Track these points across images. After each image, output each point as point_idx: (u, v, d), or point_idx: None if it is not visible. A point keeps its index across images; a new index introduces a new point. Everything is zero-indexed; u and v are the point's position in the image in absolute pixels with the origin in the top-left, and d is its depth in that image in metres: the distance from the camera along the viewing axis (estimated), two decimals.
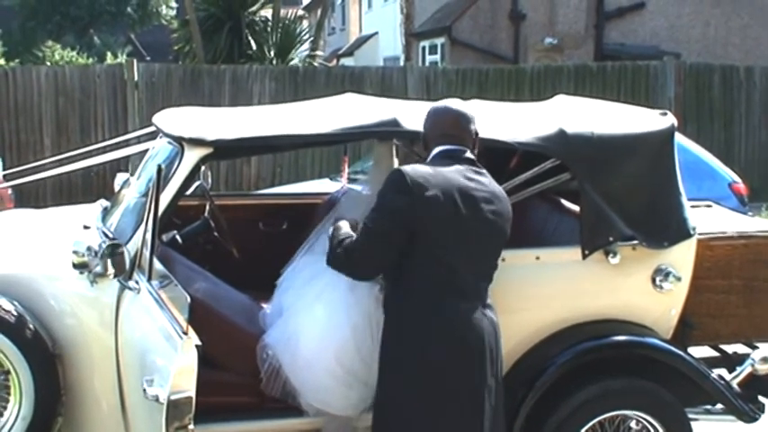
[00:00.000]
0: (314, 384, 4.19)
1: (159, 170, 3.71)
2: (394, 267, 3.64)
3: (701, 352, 4.89)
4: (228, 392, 4.35)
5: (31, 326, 4.11)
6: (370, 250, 3.61)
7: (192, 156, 4.23)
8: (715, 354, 5.11)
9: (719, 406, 4.58)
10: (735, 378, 4.63)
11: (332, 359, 4.16)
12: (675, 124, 4.60)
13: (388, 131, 4.34)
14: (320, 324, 4.23)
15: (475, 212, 3.61)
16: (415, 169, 3.59)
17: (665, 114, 4.67)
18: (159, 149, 4.78)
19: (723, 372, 4.76)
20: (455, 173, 3.64)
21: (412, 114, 4.32)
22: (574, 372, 4.28)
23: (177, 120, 4.59)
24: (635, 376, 4.40)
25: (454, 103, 3.88)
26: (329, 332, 4.19)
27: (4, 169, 11.88)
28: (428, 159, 3.76)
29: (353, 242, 3.63)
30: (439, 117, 3.81)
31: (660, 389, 4.38)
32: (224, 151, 4.42)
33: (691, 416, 4.50)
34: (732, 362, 4.95)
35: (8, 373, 4.11)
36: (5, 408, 4.13)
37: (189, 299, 3.36)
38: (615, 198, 4.38)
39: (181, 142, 4.30)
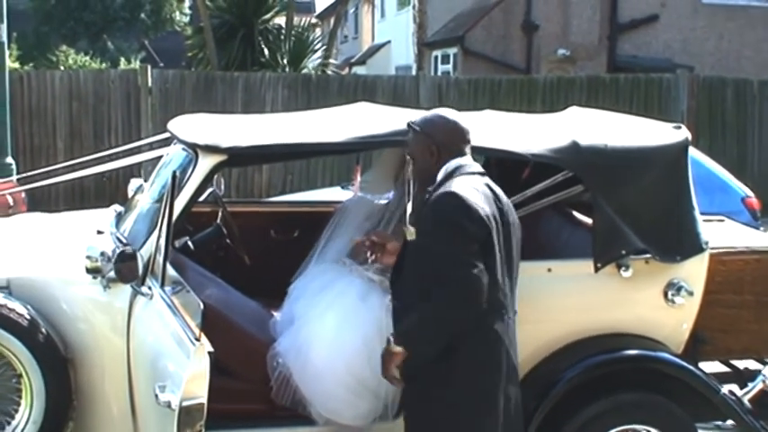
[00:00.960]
0: (324, 394, 4.19)
1: (174, 177, 3.73)
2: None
3: (712, 367, 4.88)
4: (239, 400, 4.36)
5: (43, 330, 4.13)
6: (476, 278, 3.44)
7: (207, 163, 4.25)
8: (726, 369, 5.10)
9: (730, 422, 4.57)
10: (746, 394, 4.60)
11: (342, 369, 4.16)
12: (689, 138, 4.59)
13: (401, 140, 4.34)
14: (331, 334, 4.23)
15: (506, 225, 3.63)
16: (465, 190, 3.54)
17: (679, 128, 4.67)
18: (173, 156, 4.80)
19: (734, 387, 4.74)
20: (485, 187, 3.64)
21: None
22: (585, 385, 4.27)
23: (192, 126, 4.61)
24: (646, 391, 4.39)
25: (459, 116, 3.84)
26: (340, 342, 4.19)
27: (17, 173, 11.95)
28: (450, 173, 3.67)
29: (455, 277, 3.45)
30: (454, 128, 3.76)
31: (671, 404, 4.36)
32: (238, 159, 4.44)
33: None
34: (743, 378, 4.94)
35: (20, 376, 4.14)
36: (17, 411, 4.15)
37: (202, 305, 3.36)
38: (628, 211, 4.37)
39: (195, 149, 4.32)
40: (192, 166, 4.31)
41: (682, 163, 4.54)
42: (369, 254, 4.33)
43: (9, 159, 12.94)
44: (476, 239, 3.47)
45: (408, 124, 3.83)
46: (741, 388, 4.73)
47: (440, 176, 3.68)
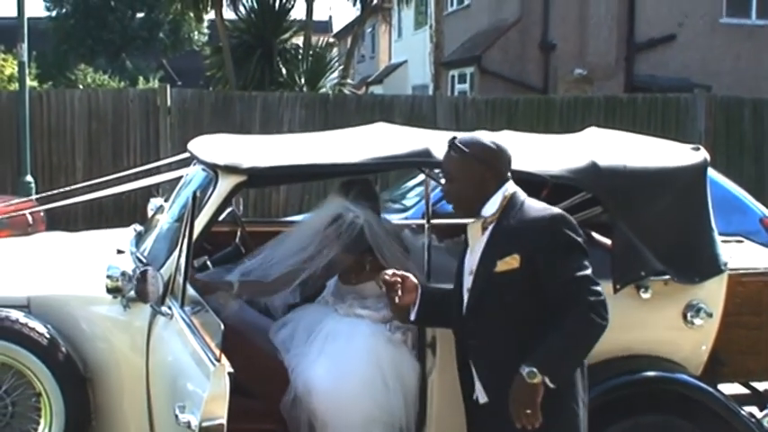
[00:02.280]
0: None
1: (194, 197, 3.76)
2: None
3: (731, 389, 4.85)
4: (256, 419, 4.36)
5: (63, 349, 4.16)
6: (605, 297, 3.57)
7: (227, 183, 4.28)
8: (746, 391, 5.07)
9: None
10: (766, 416, 4.58)
11: (346, 412, 4.20)
12: (708, 159, 4.58)
13: (420, 161, 4.36)
14: (326, 385, 4.25)
15: None
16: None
17: (698, 149, 4.66)
18: (193, 176, 4.83)
19: (754, 410, 4.71)
20: None
21: (444, 145, 4.34)
22: (604, 407, 4.24)
23: (212, 147, 4.64)
24: (665, 413, 4.36)
25: (503, 140, 3.82)
26: (338, 392, 4.23)
27: (36, 191, 12.02)
28: (513, 197, 3.68)
29: (594, 296, 3.51)
30: (507, 156, 3.74)
31: (690, 426, 4.34)
32: (258, 179, 4.46)
33: None
34: (763, 399, 4.91)
35: (39, 395, 4.16)
36: (36, 430, 4.16)
37: (222, 326, 3.37)
38: (647, 232, 4.36)
39: (215, 169, 4.35)
40: (212, 186, 4.34)
41: (700, 184, 4.53)
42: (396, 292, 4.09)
43: (28, 178, 13.06)
44: None
45: (454, 145, 3.72)
46: (761, 410, 4.70)
47: (497, 202, 3.66)
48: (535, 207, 3.66)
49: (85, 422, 4.18)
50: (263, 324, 4.88)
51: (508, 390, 3.48)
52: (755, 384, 5.06)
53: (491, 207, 3.66)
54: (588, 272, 3.54)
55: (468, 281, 3.75)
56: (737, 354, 4.78)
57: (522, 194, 3.71)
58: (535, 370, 3.41)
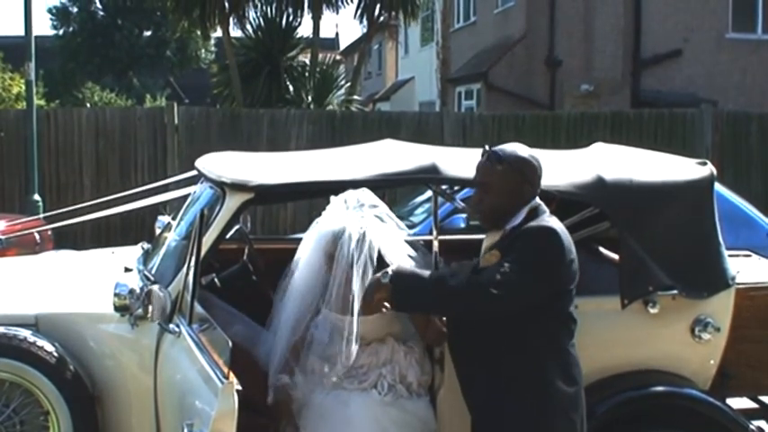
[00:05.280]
0: None
1: (202, 215, 3.76)
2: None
3: (739, 403, 4.84)
4: None
5: (70, 367, 4.16)
6: (512, 301, 3.58)
7: (234, 201, 4.28)
8: (754, 405, 5.05)
9: None
10: None
11: None
12: (715, 173, 4.59)
13: (427, 177, 4.36)
14: None
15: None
16: (566, 236, 3.65)
17: (705, 164, 4.67)
18: (201, 193, 4.84)
19: (762, 424, 4.70)
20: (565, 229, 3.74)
21: (451, 161, 4.35)
22: (612, 422, 4.23)
23: (219, 164, 4.65)
24: (673, 428, 4.35)
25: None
26: None
27: (44, 210, 12.05)
28: (534, 210, 3.72)
29: (496, 288, 3.51)
30: (541, 170, 3.77)
31: None
32: (265, 196, 4.47)
33: None
34: None
35: (47, 413, 4.16)
36: None
37: (230, 343, 3.37)
38: (655, 247, 4.36)
39: (223, 187, 4.36)
40: (219, 203, 4.34)
41: (707, 199, 4.54)
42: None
43: (36, 197, 13.09)
44: (559, 285, 3.62)
45: (494, 156, 3.72)
46: None
47: (523, 215, 3.70)
48: (540, 220, 3.68)
49: None
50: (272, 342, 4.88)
51: (481, 404, 3.70)
52: (764, 399, 5.03)
53: (516, 220, 3.69)
54: (515, 280, 3.49)
55: None
56: (746, 368, 4.76)
57: (544, 210, 3.74)
58: (388, 273, 3.68)
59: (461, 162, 4.44)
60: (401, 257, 4.08)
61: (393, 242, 4.12)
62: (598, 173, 4.39)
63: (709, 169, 4.60)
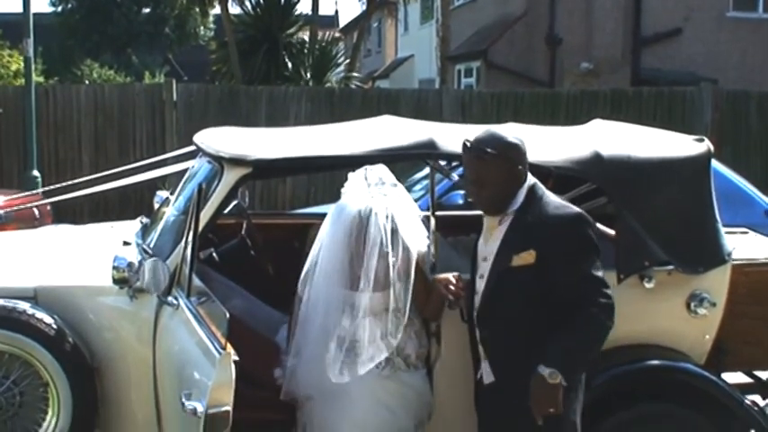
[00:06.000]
0: None
1: (200, 189, 3.77)
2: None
3: (735, 378, 4.86)
4: (263, 409, 4.38)
5: (69, 339, 4.18)
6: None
7: (232, 175, 4.30)
8: (749, 380, 5.08)
9: None
10: None
11: None
12: (712, 150, 4.60)
13: (424, 153, 4.38)
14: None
15: None
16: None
17: (702, 140, 4.68)
18: (199, 168, 4.85)
19: (757, 398, 4.73)
20: None
21: (449, 136, 4.36)
22: (608, 396, 4.26)
23: (217, 139, 4.66)
24: (669, 402, 4.38)
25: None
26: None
27: (43, 186, 12.07)
28: (533, 190, 3.75)
29: (605, 299, 3.62)
30: (525, 147, 3.78)
31: (694, 414, 4.35)
32: (263, 171, 4.48)
33: None
34: (766, 388, 4.92)
35: (47, 385, 4.19)
36: (44, 420, 4.20)
37: (228, 314, 3.40)
38: (651, 222, 4.38)
39: (221, 161, 4.37)
40: (217, 178, 4.36)
41: (704, 175, 4.55)
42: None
43: (35, 173, 13.10)
44: None
45: (478, 149, 3.68)
46: (764, 399, 4.72)
47: (522, 196, 3.73)
48: (555, 203, 3.73)
49: (92, 412, 4.21)
50: (270, 315, 4.91)
51: (515, 373, 3.63)
52: (759, 374, 5.06)
53: (516, 202, 3.72)
54: (600, 274, 3.64)
55: (482, 267, 3.84)
56: (741, 343, 4.78)
57: (541, 187, 3.77)
58: (556, 371, 3.49)
59: (459, 138, 4.46)
60: (419, 238, 4.05)
61: (413, 222, 4.07)
62: (595, 148, 4.41)
63: (706, 146, 4.61)
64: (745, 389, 4.80)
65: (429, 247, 4.19)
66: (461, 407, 4.09)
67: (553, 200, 3.75)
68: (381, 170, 4.12)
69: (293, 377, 4.09)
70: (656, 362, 4.40)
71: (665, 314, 4.51)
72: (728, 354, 4.72)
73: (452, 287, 3.96)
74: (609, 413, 4.27)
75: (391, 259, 3.86)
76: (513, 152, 3.70)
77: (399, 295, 3.89)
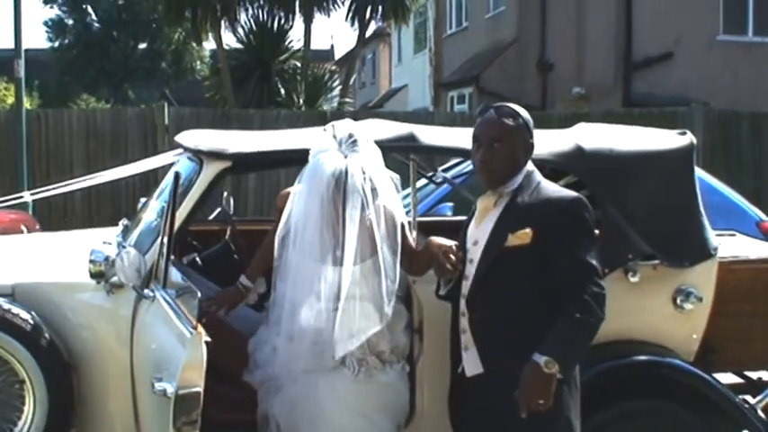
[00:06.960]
0: None
1: (176, 177, 3.75)
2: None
3: (725, 379, 4.80)
4: (246, 408, 4.32)
5: (46, 336, 4.13)
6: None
7: (212, 169, 4.30)
8: (739, 380, 5.02)
9: None
10: (759, 402, 4.53)
11: None
12: (694, 142, 4.58)
13: (404, 146, 4.36)
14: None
15: None
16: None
17: (684, 134, 4.65)
18: (181, 165, 4.83)
19: (747, 397, 4.66)
20: None
21: (430, 132, 4.38)
22: (594, 392, 4.18)
23: (198, 137, 4.67)
24: (656, 399, 4.33)
25: None
26: None
27: (33, 211, 12.00)
28: (532, 174, 3.74)
29: (598, 288, 3.57)
30: None
31: (682, 411, 4.30)
32: (242, 165, 4.46)
33: None
34: (756, 388, 4.86)
35: (23, 382, 4.13)
36: (19, 417, 4.13)
37: (199, 294, 3.35)
38: (635, 216, 4.35)
39: (200, 156, 4.36)
40: (196, 173, 4.34)
41: (687, 168, 4.53)
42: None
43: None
44: None
45: (507, 112, 3.70)
46: (754, 397, 4.65)
47: (521, 177, 3.70)
48: (552, 187, 3.72)
49: (69, 409, 4.15)
50: (252, 318, 4.85)
51: (508, 363, 3.51)
52: (749, 373, 5.00)
53: (513, 183, 3.69)
54: (595, 261, 3.59)
55: (472, 251, 3.76)
56: (729, 342, 4.72)
57: (538, 174, 3.75)
58: (553, 360, 3.41)
59: (441, 133, 4.45)
60: (390, 192, 3.88)
61: (385, 177, 3.89)
62: (577, 142, 4.40)
63: (689, 138, 4.59)
64: (735, 389, 4.72)
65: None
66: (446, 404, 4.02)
67: (551, 184, 3.75)
68: (349, 124, 3.94)
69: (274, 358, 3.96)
70: (643, 357, 4.37)
71: (650, 309, 4.47)
72: (717, 353, 4.66)
73: (452, 256, 3.73)
74: (595, 410, 4.17)
75: (375, 223, 3.73)
76: (530, 127, 3.74)
77: (387, 261, 3.73)
